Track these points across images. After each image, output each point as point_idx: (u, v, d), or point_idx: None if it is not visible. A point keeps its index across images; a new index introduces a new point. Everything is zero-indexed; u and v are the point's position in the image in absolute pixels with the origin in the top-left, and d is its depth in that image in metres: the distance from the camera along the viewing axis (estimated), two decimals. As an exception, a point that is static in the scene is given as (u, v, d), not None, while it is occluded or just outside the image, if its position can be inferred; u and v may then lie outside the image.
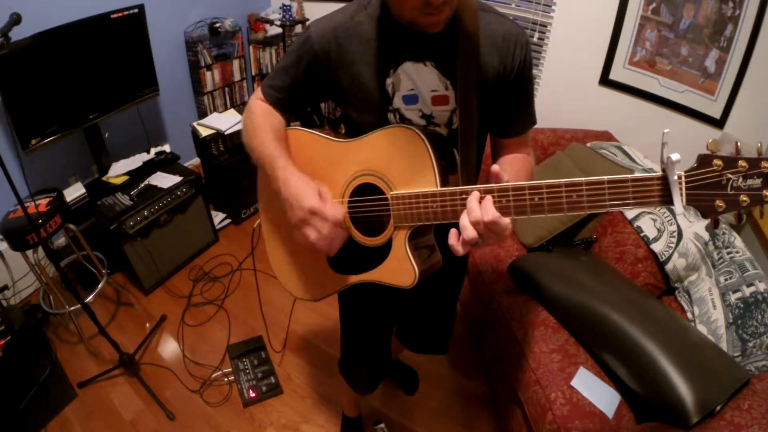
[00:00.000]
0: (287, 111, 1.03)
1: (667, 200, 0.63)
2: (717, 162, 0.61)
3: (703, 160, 0.61)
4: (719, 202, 0.61)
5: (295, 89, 0.99)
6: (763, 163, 0.59)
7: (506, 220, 0.72)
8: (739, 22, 1.80)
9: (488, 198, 0.73)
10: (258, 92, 1.03)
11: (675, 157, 0.60)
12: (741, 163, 0.60)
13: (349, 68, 0.91)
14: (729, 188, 0.61)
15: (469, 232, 0.72)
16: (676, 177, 0.62)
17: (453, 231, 0.76)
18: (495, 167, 0.73)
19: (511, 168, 0.96)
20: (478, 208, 0.72)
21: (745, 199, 0.60)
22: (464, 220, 0.74)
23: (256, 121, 0.99)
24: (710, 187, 0.61)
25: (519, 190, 0.72)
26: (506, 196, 0.73)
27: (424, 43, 0.87)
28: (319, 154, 1.00)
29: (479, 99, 0.89)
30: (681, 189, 0.62)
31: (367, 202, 0.93)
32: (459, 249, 0.75)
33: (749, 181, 0.60)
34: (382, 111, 0.94)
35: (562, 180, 0.69)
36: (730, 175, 0.60)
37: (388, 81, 0.91)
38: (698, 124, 2.04)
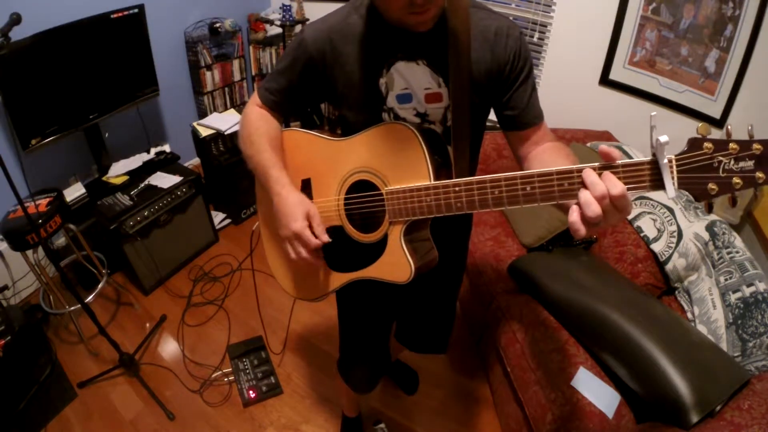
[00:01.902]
0: (284, 113, 1.04)
1: (658, 185, 0.62)
2: (707, 145, 0.60)
3: (694, 144, 0.61)
4: (712, 185, 0.60)
5: (291, 91, 1.00)
6: (755, 145, 0.58)
7: (629, 198, 0.64)
8: (739, 22, 1.80)
9: (607, 173, 0.65)
10: (255, 97, 1.04)
11: (663, 138, 0.59)
12: (732, 145, 0.59)
13: (343, 69, 0.92)
14: (721, 171, 0.60)
15: (594, 208, 0.63)
16: (666, 160, 0.61)
17: (575, 208, 0.66)
18: (604, 147, 0.66)
19: (558, 155, 0.91)
20: (602, 182, 0.64)
21: (738, 181, 0.59)
22: (586, 196, 0.64)
23: (252, 128, 1.01)
24: (702, 170, 0.61)
25: (511, 180, 0.72)
26: (498, 186, 0.74)
27: (416, 42, 0.88)
28: (316, 154, 1.01)
29: (472, 95, 0.90)
30: (672, 173, 0.61)
31: (363, 199, 0.93)
32: (581, 229, 0.65)
33: (741, 164, 0.59)
34: (377, 111, 0.95)
35: (554, 169, 0.69)
36: (721, 158, 0.60)
37: (381, 81, 0.92)
38: (698, 124, 2.04)
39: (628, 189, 0.63)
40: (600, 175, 0.65)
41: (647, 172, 0.63)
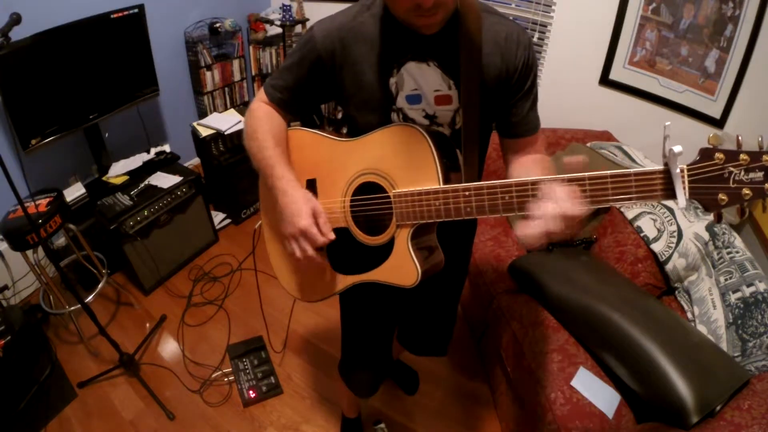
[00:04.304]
0: (290, 111, 1.03)
1: (670, 194, 0.63)
2: (719, 156, 0.60)
3: (705, 154, 0.61)
4: (722, 196, 0.61)
5: (299, 89, 0.99)
6: (765, 157, 0.59)
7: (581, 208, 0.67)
8: (739, 22, 1.80)
9: (565, 186, 0.67)
10: (261, 93, 1.03)
11: (677, 149, 0.60)
12: (742, 156, 0.59)
13: (353, 68, 0.92)
14: (731, 182, 0.60)
15: (547, 216, 0.66)
16: (678, 170, 0.61)
17: (523, 222, 0.70)
18: (580, 158, 0.70)
19: (534, 167, 0.91)
20: (558, 195, 0.67)
21: (747, 192, 0.60)
22: (545, 209, 0.67)
23: (257, 124, 0.99)
24: (712, 181, 0.61)
25: (522, 186, 0.72)
26: (509, 192, 0.73)
27: (427, 43, 0.87)
28: (322, 154, 1.00)
29: (481, 99, 0.90)
30: (684, 182, 0.62)
31: (369, 201, 0.93)
32: (535, 243, 0.69)
33: (751, 175, 0.59)
34: (386, 111, 0.94)
35: (566, 175, 0.69)
36: (732, 169, 0.60)
37: (392, 81, 0.91)
38: (698, 124, 2.04)
39: (640, 198, 0.64)
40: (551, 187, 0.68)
41: (659, 181, 0.63)
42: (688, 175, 0.62)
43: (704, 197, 0.62)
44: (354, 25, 0.90)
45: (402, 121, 0.94)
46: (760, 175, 0.59)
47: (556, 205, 0.66)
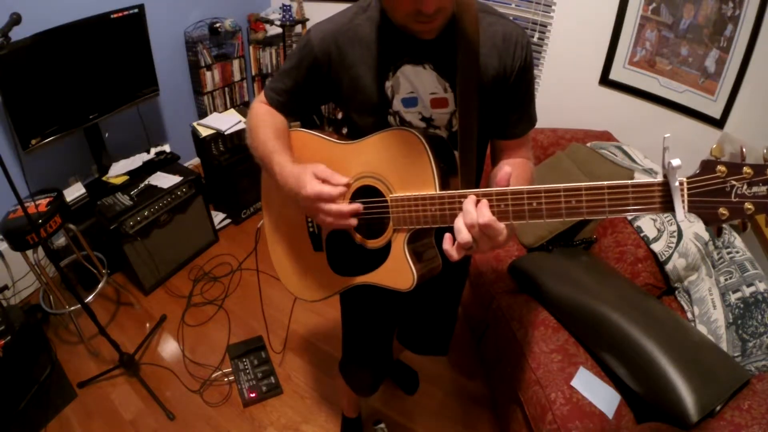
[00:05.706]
0: (289, 114, 1.03)
1: (668, 207, 0.61)
2: (721, 168, 0.58)
3: (707, 166, 0.59)
4: (723, 210, 0.59)
5: (297, 92, 0.99)
6: None
7: (501, 225, 0.70)
8: (739, 22, 1.80)
9: (484, 201, 0.72)
10: (261, 95, 1.04)
11: (675, 162, 0.58)
12: (746, 169, 0.57)
13: (349, 71, 0.92)
14: (733, 195, 0.58)
15: (464, 235, 0.71)
16: (677, 183, 0.59)
17: (447, 236, 0.75)
18: (507, 169, 0.72)
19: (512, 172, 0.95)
20: (474, 211, 0.71)
21: (749, 207, 0.57)
22: (459, 223, 0.72)
23: (258, 121, 1.00)
24: (713, 194, 0.59)
25: (517, 195, 0.71)
26: (504, 200, 0.72)
27: (423, 46, 0.87)
28: (321, 156, 1.00)
29: (479, 101, 0.89)
30: (683, 196, 0.60)
31: (367, 204, 0.93)
32: (453, 254, 0.74)
33: (754, 189, 0.57)
34: (382, 114, 0.94)
35: (561, 185, 0.67)
36: (734, 182, 0.58)
37: (387, 84, 0.91)
38: (698, 124, 2.04)
39: (637, 210, 0.63)
40: (477, 203, 0.71)
41: (658, 194, 0.62)
42: (688, 189, 0.60)
43: (704, 211, 0.60)
44: (350, 28, 0.90)
45: (399, 125, 0.94)
46: (764, 189, 0.56)
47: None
